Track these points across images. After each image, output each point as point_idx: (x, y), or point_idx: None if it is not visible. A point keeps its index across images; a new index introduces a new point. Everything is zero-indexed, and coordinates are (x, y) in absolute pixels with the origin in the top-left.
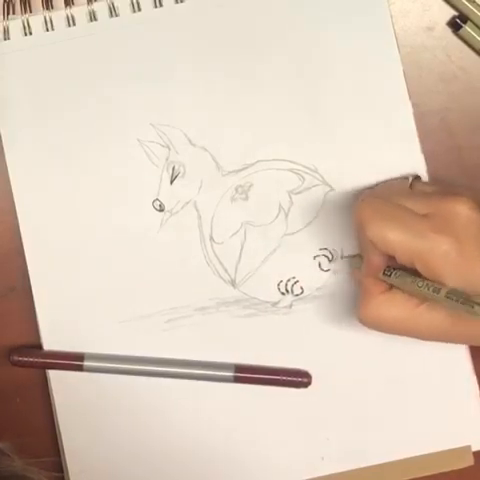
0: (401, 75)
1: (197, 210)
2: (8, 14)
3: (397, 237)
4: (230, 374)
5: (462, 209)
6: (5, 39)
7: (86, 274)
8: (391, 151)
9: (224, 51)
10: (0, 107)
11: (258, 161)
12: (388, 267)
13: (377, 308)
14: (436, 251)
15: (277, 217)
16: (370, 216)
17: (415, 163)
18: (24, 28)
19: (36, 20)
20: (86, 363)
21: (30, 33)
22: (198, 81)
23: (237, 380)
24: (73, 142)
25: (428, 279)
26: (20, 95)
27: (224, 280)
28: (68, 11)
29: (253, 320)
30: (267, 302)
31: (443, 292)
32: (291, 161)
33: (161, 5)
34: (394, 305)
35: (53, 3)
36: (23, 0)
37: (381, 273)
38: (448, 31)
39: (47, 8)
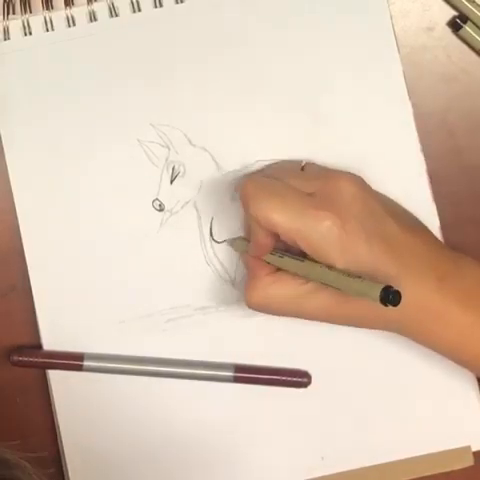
0: (401, 75)
1: (197, 210)
2: (8, 14)
3: (278, 214)
4: (230, 374)
5: (345, 185)
6: (5, 39)
7: (86, 274)
8: (391, 151)
9: (224, 51)
10: (0, 107)
11: (258, 161)
12: (275, 249)
13: (263, 290)
14: (317, 228)
15: None
16: (253, 193)
17: (415, 163)
18: (24, 28)
19: (36, 20)
20: (86, 363)
21: (30, 33)
22: (198, 81)
23: (237, 380)
24: (73, 142)
25: (314, 260)
26: (20, 95)
27: (224, 280)
28: (68, 11)
29: (253, 320)
30: None
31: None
32: None
33: (161, 5)
34: (280, 286)
35: (53, 3)
36: (23, 0)
37: (267, 255)
38: (448, 31)
39: (47, 8)
